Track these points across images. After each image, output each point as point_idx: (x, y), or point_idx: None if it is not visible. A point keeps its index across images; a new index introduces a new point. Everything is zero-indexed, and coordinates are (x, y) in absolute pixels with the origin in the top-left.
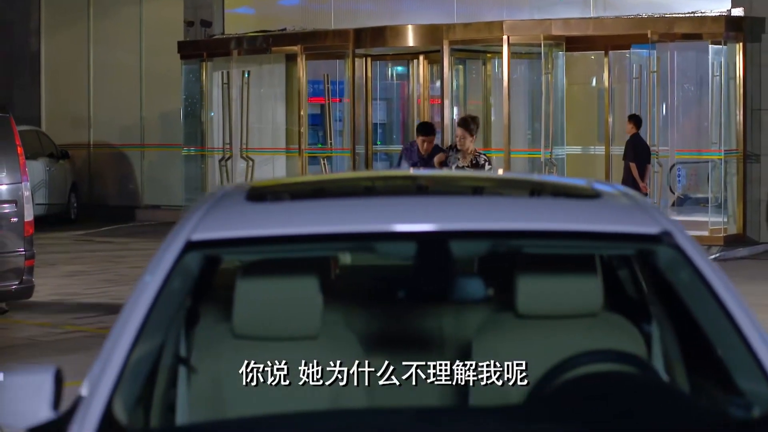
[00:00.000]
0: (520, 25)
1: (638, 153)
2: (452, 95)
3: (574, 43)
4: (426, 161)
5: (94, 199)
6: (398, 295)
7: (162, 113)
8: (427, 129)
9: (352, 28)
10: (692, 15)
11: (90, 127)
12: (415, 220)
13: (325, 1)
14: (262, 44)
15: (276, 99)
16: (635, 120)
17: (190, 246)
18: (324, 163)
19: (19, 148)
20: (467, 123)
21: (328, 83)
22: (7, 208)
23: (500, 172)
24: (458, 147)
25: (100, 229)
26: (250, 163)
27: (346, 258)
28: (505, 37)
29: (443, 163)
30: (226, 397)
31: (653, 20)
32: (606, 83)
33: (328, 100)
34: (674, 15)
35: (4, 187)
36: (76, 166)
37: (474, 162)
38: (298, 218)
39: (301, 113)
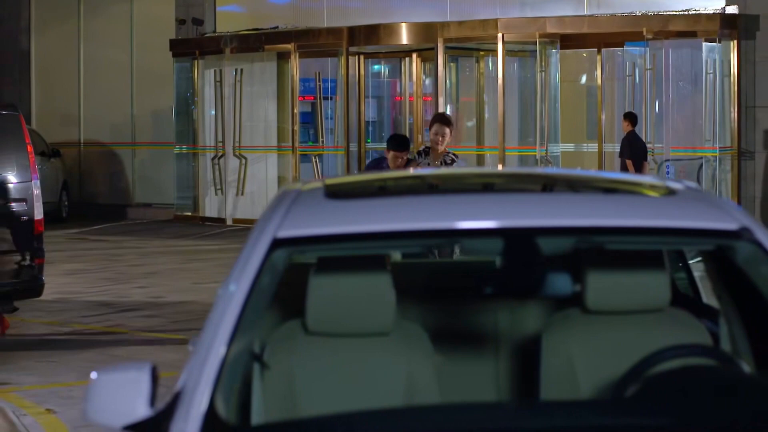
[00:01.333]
0: (515, 23)
1: (634, 150)
2: (446, 93)
3: (566, 41)
4: None
5: (84, 198)
6: (484, 291)
7: (153, 111)
8: (400, 143)
9: (346, 27)
10: (687, 13)
11: (80, 125)
12: (503, 217)
13: None
14: (255, 42)
15: (267, 97)
16: (631, 118)
17: (277, 243)
18: (316, 161)
19: (29, 146)
20: (449, 119)
21: (319, 81)
22: (18, 207)
23: (499, 167)
24: (436, 145)
25: (92, 227)
26: (243, 161)
27: (396, 255)
28: (500, 35)
29: None
30: (299, 393)
31: (648, 18)
32: (598, 81)
33: (320, 98)
34: (669, 12)
35: (14, 185)
36: (66, 165)
37: (443, 163)
38: (385, 215)
39: (294, 111)
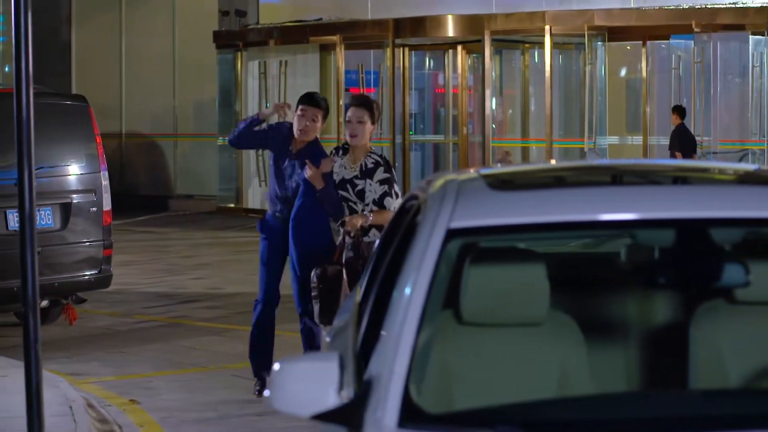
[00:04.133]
0: (562, 15)
1: (683, 143)
2: (492, 85)
3: (612, 33)
4: (294, 160)
5: (125, 189)
6: (658, 281)
7: (195, 102)
8: (310, 97)
9: (392, 18)
10: (734, 6)
11: (122, 117)
12: (676, 209)
13: None
14: (299, 34)
15: (309, 89)
16: (679, 111)
17: (451, 234)
18: None
19: (97, 137)
20: (370, 103)
21: (362, 73)
22: (86, 198)
23: (552, 162)
24: (354, 138)
25: (135, 219)
26: None
27: None
28: (547, 28)
29: (328, 175)
30: (453, 384)
31: (696, 11)
32: (643, 73)
33: (363, 90)
34: (716, 6)
35: (83, 176)
36: (107, 156)
37: (364, 168)
38: (558, 206)
39: (340, 103)
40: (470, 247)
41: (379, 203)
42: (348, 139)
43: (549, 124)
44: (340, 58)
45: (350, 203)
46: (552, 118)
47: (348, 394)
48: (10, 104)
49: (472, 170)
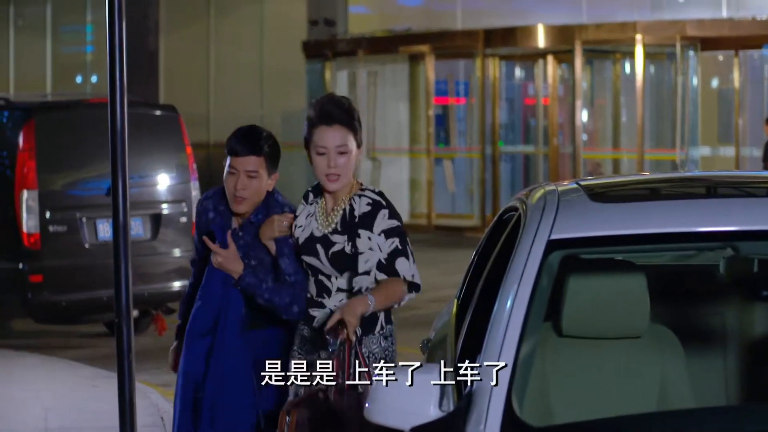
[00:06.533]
0: (654, 25)
1: None
2: (582, 95)
3: (704, 43)
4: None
5: None
6: (760, 294)
7: (283, 112)
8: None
9: (482, 29)
10: None
11: (209, 126)
12: None
13: (451, 0)
14: (388, 44)
15: (399, 99)
16: None
17: (552, 245)
18: (448, 165)
19: (187, 147)
20: (350, 115)
21: (452, 83)
22: (177, 208)
23: (647, 174)
24: (328, 184)
25: None
26: (377, 164)
27: None
28: (638, 37)
29: (283, 242)
30: (553, 396)
31: None
32: (735, 83)
33: (453, 100)
34: None
35: (173, 187)
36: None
37: (353, 214)
38: (657, 218)
39: (429, 113)
40: (571, 259)
41: (388, 268)
42: (324, 183)
43: (640, 135)
44: (430, 68)
45: (320, 276)
46: (644, 129)
47: (448, 406)
48: (98, 114)
49: (571, 181)
